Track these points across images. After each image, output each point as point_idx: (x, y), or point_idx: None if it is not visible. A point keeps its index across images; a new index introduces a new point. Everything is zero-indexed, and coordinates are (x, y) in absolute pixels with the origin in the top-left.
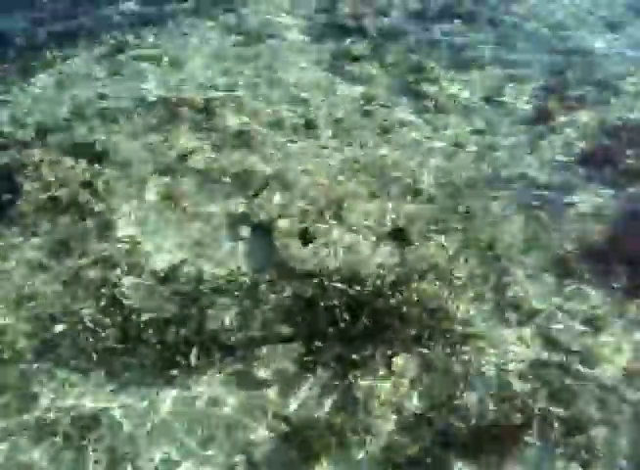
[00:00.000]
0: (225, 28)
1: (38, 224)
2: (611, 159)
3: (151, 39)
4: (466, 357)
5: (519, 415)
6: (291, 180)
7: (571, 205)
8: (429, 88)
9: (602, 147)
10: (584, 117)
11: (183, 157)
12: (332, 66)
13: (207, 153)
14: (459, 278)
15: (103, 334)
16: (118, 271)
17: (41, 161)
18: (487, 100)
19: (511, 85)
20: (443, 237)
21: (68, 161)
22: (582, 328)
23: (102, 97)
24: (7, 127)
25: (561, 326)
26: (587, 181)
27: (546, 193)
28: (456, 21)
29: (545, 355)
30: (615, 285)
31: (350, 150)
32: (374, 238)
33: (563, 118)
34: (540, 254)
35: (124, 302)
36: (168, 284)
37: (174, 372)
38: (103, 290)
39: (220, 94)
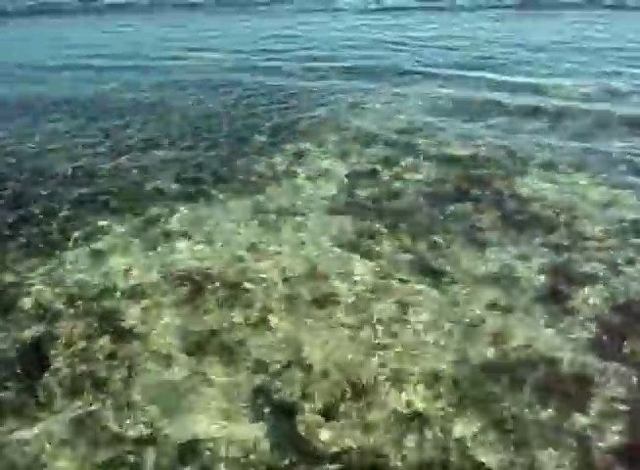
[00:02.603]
0: (254, 207)
1: (62, 399)
2: (626, 339)
3: (182, 214)
4: None
5: None
6: (312, 361)
7: (593, 388)
8: (442, 265)
9: (616, 325)
10: (595, 294)
11: (208, 332)
12: (351, 243)
13: (232, 329)
14: (485, 466)
15: None
16: (137, 452)
17: (70, 334)
18: (498, 279)
19: (520, 263)
20: (466, 422)
21: (96, 333)
22: None
23: (133, 269)
24: (43, 297)
25: None
26: (605, 363)
27: (566, 376)
28: (465, 202)
29: None
30: None
31: (368, 329)
32: (396, 422)
33: (573, 296)
34: (567, 439)
35: None
36: (187, 466)
37: None
38: None
39: (246, 269)
